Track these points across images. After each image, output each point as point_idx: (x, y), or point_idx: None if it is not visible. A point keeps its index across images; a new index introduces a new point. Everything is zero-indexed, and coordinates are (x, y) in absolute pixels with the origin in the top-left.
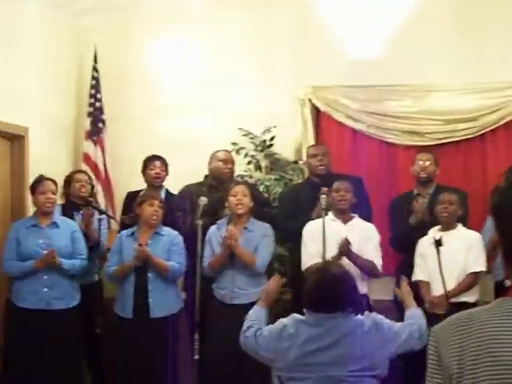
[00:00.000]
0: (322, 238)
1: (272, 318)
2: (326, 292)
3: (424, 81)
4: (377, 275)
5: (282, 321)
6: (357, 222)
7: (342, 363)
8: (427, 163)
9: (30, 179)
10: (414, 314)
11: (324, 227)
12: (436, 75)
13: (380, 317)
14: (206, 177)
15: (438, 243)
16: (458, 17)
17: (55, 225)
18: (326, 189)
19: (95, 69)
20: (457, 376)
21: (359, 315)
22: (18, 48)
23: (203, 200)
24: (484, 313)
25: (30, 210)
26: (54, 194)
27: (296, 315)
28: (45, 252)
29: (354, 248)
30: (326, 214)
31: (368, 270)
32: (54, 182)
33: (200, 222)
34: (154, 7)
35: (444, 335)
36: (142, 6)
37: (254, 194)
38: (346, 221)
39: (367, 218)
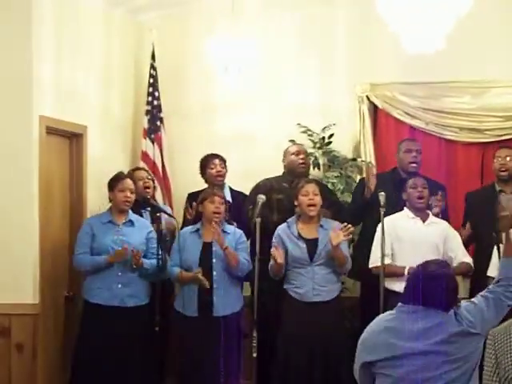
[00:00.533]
0: (380, 237)
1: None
2: None
3: (482, 77)
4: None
5: None
6: (434, 219)
7: None
8: (507, 159)
9: (89, 178)
10: None
11: (383, 226)
12: (494, 71)
13: None
14: (284, 173)
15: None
16: None
17: (131, 223)
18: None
19: (153, 66)
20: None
21: None
22: (76, 46)
23: (262, 198)
24: None
25: (89, 208)
26: (132, 192)
27: None
28: (125, 247)
29: (434, 247)
30: (384, 213)
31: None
32: (134, 181)
33: (258, 219)
34: (211, 3)
35: (502, 337)
36: (200, 2)
37: (324, 193)
38: (424, 219)
39: None
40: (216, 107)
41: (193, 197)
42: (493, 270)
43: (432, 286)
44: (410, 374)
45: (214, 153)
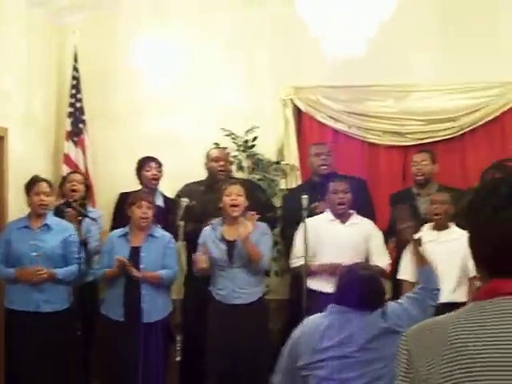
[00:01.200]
0: (303, 239)
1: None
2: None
3: (404, 81)
4: (385, 276)
5: None
6: (356, 220)
7: None
8: (423, 163)
9: (10, 181)
10: None
11: (306, 229)
12: (416, 75)
13: None
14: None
15: (419, 243)
16: (439, 18)
17: (47, 227)
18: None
19: (75, 68)
20: (425, 377)
21: None
22: None
23: (185, 200)
24: (456, 318)
25: (10, 212)
26: (48, 195)
27: None
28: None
29: (355, 248)
30: (309, 216)
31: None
32: (49, 183)
33: (182, 222)
34: (136, 5)
35: (416, 340)
36: (124, 4)
37: (255, 194)
38: (344, 220)
39: (371, 219)
40: (141, 110)
41: (124, 197)
42: (403, 273)
43: (361, 287)
44: (338, 373)
45: (151, 156)
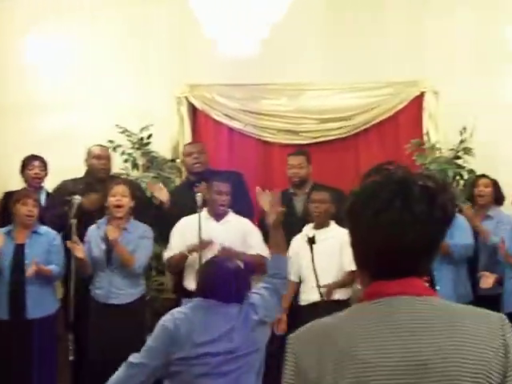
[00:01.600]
0: (198, 236)
1: (151, 316)
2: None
3: (299, 80)
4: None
5: None
6: (231, 218)
7: None
8: (299, 166)
9: None
10: None
11: (200, 224)
12: (310, 74)
13: None
14: (86, 174)
15: (312, 241)
16: (332, 17)
17: None
18: (200, 187)
19: None
20: (316, 381)
21: None
22: None
23: (77, 198)
24: (341, 320)
25: None
26: None
27: None
28: None
29: (233, 245)
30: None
31: (257, 264)
32: None
33: (74, 220)
34: (30, 1)
35: (303, 342)
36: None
37: (135, 194)
38: (219, 219)
39: (249, 211)
40: (35, 106)
41: (9, 197)
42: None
43: (224, 280)
44: (217, 367)
45: (35, 154)
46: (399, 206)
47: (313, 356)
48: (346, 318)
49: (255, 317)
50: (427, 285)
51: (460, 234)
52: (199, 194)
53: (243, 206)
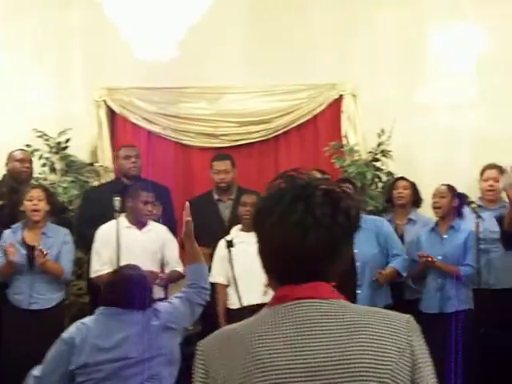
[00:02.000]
0: (115, 244)
1: (69, 320)
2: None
3: (218, 83)
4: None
5: None
6: (152, 227)
7: None
8: (226, 171)
9: None
10: None
11: (118, 231)
12: (230, 77)
13: None
14: (4, 176)
15: (230, 244)
16: (252, 20)
17: None
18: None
19: None
20: None
21: None
22: None
23: None
24: (249, 324)
25: None
26: None
27: None
28: None
29: (151, 255)
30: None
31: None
32: None
33: None
34: None
35: (212, 349)
36: None
37: (50, 198)
38: (141, 227)
39: (171, 228)
40: None
41: None
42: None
43: (128, 288)
44: (117, 373)
45: None
46: (301, 209)
47: (222, 361)
48: (254, 323)
49: (156, 322)
50: (335, 289)
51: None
52: (117, 198)
53: (166, 222)
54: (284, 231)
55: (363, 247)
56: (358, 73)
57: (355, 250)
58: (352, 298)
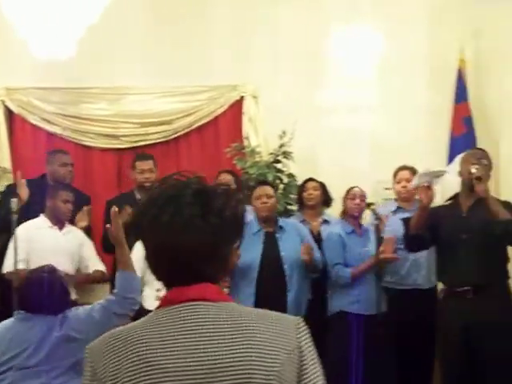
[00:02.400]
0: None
1: None
2: None
3: (118, 84)
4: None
5: None
6: (70, 228)
7: None
8: (149, 171)
9: None
10: None
11: (16, 233)
12: (130, 78)
13: None
14: None
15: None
16: (152, 21)
17: None
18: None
19: None
20: None
21: None
22: None
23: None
24: (137, 326)
25: None
26: None
27: None
28: None
29: (70, 255)
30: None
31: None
32: None
33: None
34: None
35: (100, 351)
36: None
37: None
38: (61, 227)
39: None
40: None
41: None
42: None
43: (39, 291)
44: (17, 381)
45: None
46: (171, 210)
47: (110, 364)
48: (142, 325)
49: (57, 332)
50: (224, 290)
51: None
52: (14, 199)
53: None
54: (157, 233)
55: (289, 249)
56: (260, 74)
57: (282, 253)
58: (282, 300)
